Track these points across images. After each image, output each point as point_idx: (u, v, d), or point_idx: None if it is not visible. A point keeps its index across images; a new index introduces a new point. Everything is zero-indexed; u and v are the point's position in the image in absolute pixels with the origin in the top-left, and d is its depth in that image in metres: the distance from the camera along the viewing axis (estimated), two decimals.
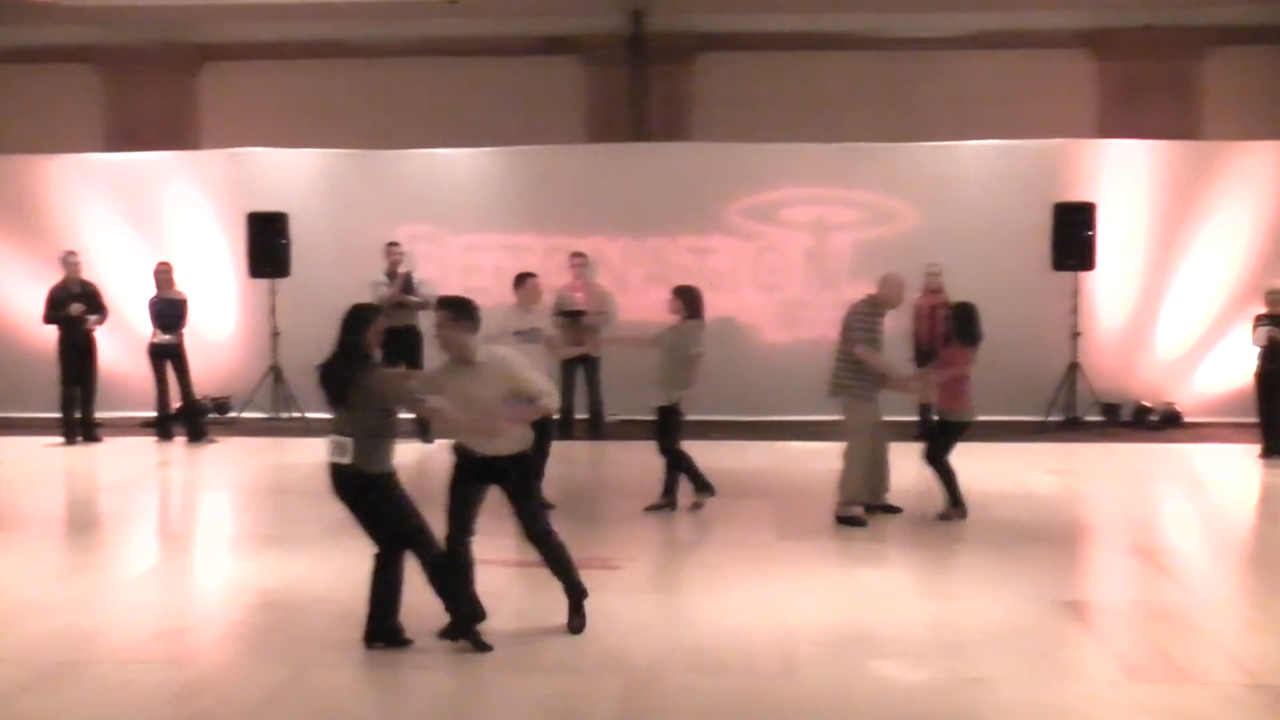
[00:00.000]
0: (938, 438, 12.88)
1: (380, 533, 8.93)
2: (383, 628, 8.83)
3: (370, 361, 8.81)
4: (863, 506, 12.62)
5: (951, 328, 12.77)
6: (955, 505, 12.68)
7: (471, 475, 9.02)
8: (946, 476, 12.73)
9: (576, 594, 9.12)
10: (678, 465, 13.17)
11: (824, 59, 21.77)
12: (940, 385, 12.73)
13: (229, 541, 12.72)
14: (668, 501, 13.15)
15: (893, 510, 12.85)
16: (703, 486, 13.18)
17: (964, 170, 19.70)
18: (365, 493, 8.85)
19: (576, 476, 15.60)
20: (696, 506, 13.10)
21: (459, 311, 8.85)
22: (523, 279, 13.85)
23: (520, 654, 8.67)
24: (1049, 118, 20.96)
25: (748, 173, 19.85)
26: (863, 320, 12.59)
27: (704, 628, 9.03)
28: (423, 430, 17.61)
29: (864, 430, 12.62)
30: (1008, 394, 16.86)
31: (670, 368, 12.91)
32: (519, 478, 9.06)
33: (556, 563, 9.22)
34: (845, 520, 12.51)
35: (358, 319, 9.01)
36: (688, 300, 13.08)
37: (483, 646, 8.71)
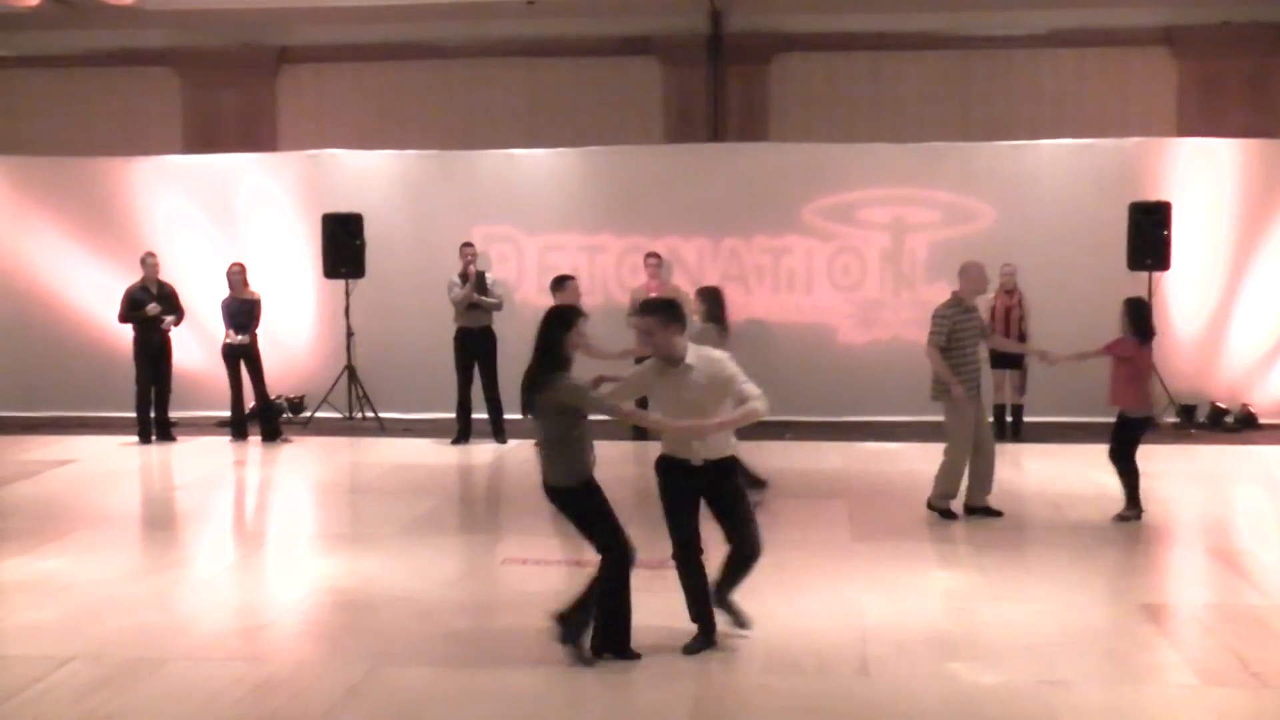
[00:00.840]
0: (1118, 435, 12.82)
1: (595, 542, 8.68)
2: (612, 639, 8.64)
3: (565, 367, 8.41)
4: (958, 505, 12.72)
5: (1124, 322, 12.69)
6: (1132, 506, 12.64)
7: (681, 484, 8.76)
8: (1129, 476, 12.71)
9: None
10: None
11: (900, 59, 21.70)
12: (1117, 382, 12.75)
13: (305, 540, 12.80)
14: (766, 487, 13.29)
15: (993, 514, 12.80)
16: (753, 483, 13.23)
17: (1040, 169, 19.53)
18: (563, 504, 8.64)
19: (646, 476, 15.62)
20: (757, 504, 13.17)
21: (668, 314, 8.60)
22: (562, 281, 13.89)
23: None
24: (1126, 116, 20.82)
25: (824, 173, 19.78)
26: (938, 320, 12.63)
27: (777, 629, 9.02)
28: (497, 430, 17.68)
29: (963, 432, 12.63)
30: (1083, 395, 16.68)
31: None
32: (728, 486, 8.82)
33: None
34: (937, 510, 12.80)
35: (556, 321, 8.46)
36: (708, 302, 13.22)
37: (706, 644, 8.76)
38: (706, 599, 8.86)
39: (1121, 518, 12.61)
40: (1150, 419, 12.79)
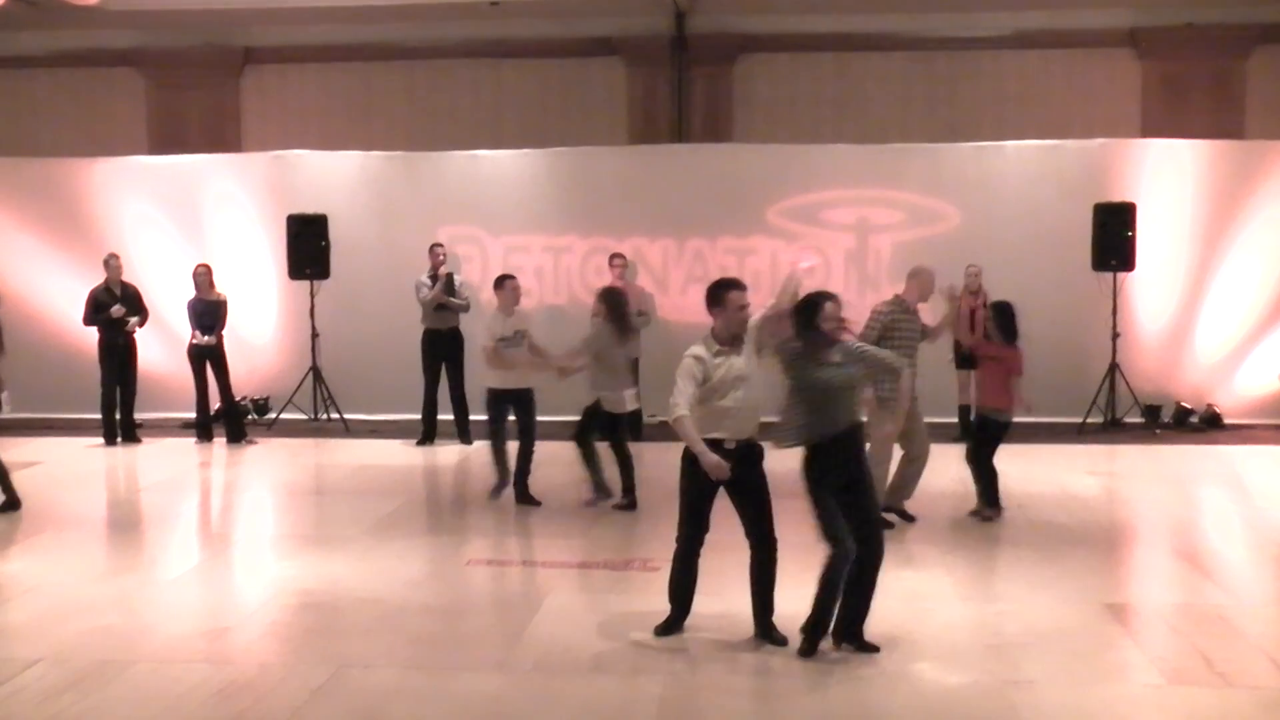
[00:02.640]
0: (979, 436, 12.86)
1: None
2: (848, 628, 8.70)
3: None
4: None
5: (991, 326, 12.78)
6: (991, 505, 12.68)
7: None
8: (988, 477, 12.72)
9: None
10: (587, 459, 13.50)
11: (865, 60, 21.75)
12: (983, 383, 12.76)
13: (270, 542, 12.73)
14: (616, 498, 13.46)
15: (907, 518, 12.76)
16: (598, 487, 13.52)
17: (1005, 170, 19.60)
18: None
19: (615, 477, 15.61)
20: (588, 503, 13.46)
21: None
22: (502, 281, 13.91)
23: (560, 656, 8.66)
24: (1090, 117, 20.91)
25: (788, 174, 19.80)
26: (873, 317, 12.64)
27: (743, 629, 9.00)
28: (462, 431, 17.66)
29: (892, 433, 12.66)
30: (1048, 395, 16.74)
31: (591, 368, 13.29)
32: (757, 471, 8.96)
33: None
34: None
35: (811, 307, 9.08)
36: (607, 303, 13.42)
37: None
38: (689, 595, 8.99)
39: (979, 515, 12.70)
40: (1010, 424, 12.79)
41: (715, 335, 8.90)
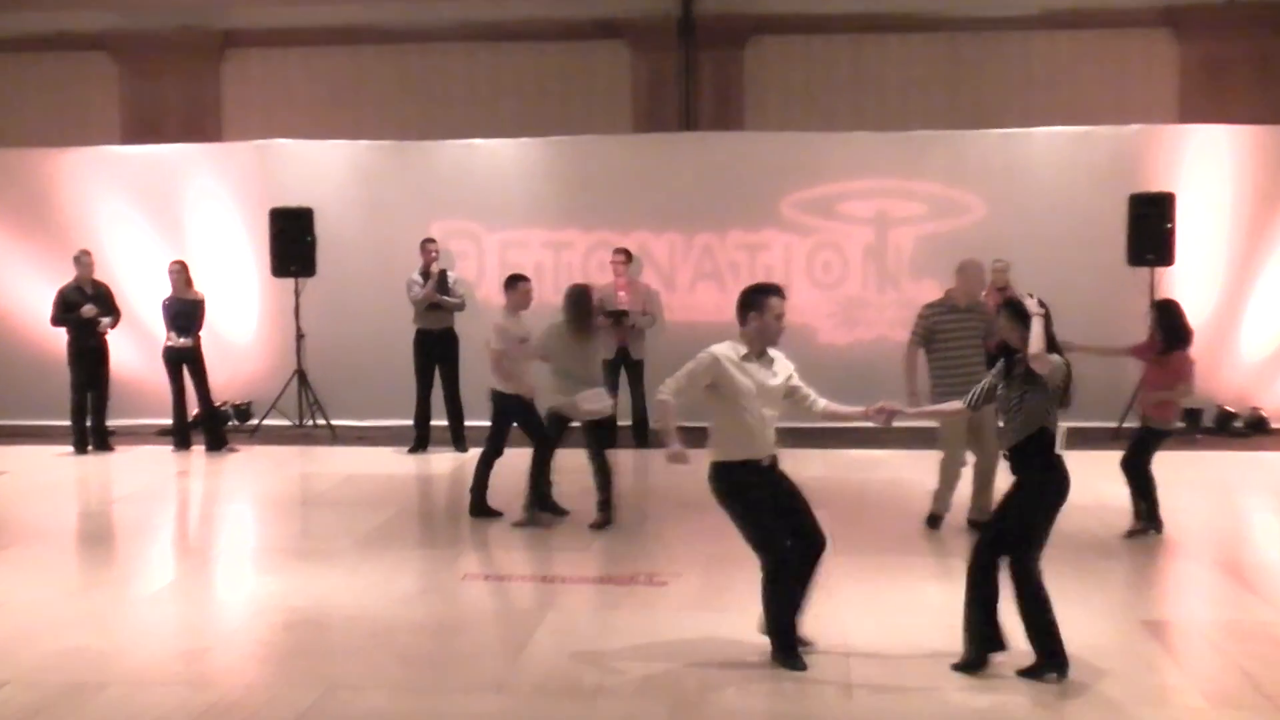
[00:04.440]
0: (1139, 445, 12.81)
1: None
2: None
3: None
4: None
5: (1160, 329, 12.58)
6: (1150, 520, 12.64)
7: (756, 488, 8.78)
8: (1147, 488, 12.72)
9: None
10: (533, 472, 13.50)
11: (884, 42, 21.73)
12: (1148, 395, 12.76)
13: (252, 556, 12.72)
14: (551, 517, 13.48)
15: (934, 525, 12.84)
16: (528, 506, 13.42)
17: (1034, 159, 19.60)
18: None
19: (620, 487, 15.58)
20: (518, 524, 13.28)
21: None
22: (514, 282, 13.84)
23: (561, 677, 8.63)
24: (1125, 102, 20.87)
25: (803, 164, 19.80)
26: (916, 323, 12.71)
27: (756, 647, 8.97)
28: (457, 438, 17.65)
29: (949, 437, 12.68)
30: (1080, 398, 16.72)
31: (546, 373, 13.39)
32: (786, 477, 8.99)
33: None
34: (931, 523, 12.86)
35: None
36: (569, 301, 13.35)
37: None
38: (794, 619, 8.90)
39: (1134, 533, 12.64)
40: (1171, 433, 12.77)
41: (747, 343, 8.86)
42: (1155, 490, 12.62)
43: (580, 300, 13.22)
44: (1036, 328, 8.56)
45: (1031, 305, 8.71)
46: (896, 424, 9.11)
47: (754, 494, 8.71)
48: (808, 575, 8.88)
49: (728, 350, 8.79)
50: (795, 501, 8.90)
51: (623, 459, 17.03)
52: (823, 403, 9.15)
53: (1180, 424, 12.83)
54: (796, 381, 9.12)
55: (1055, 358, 8.58)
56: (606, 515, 13.14)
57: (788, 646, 8.71)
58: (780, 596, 8.74)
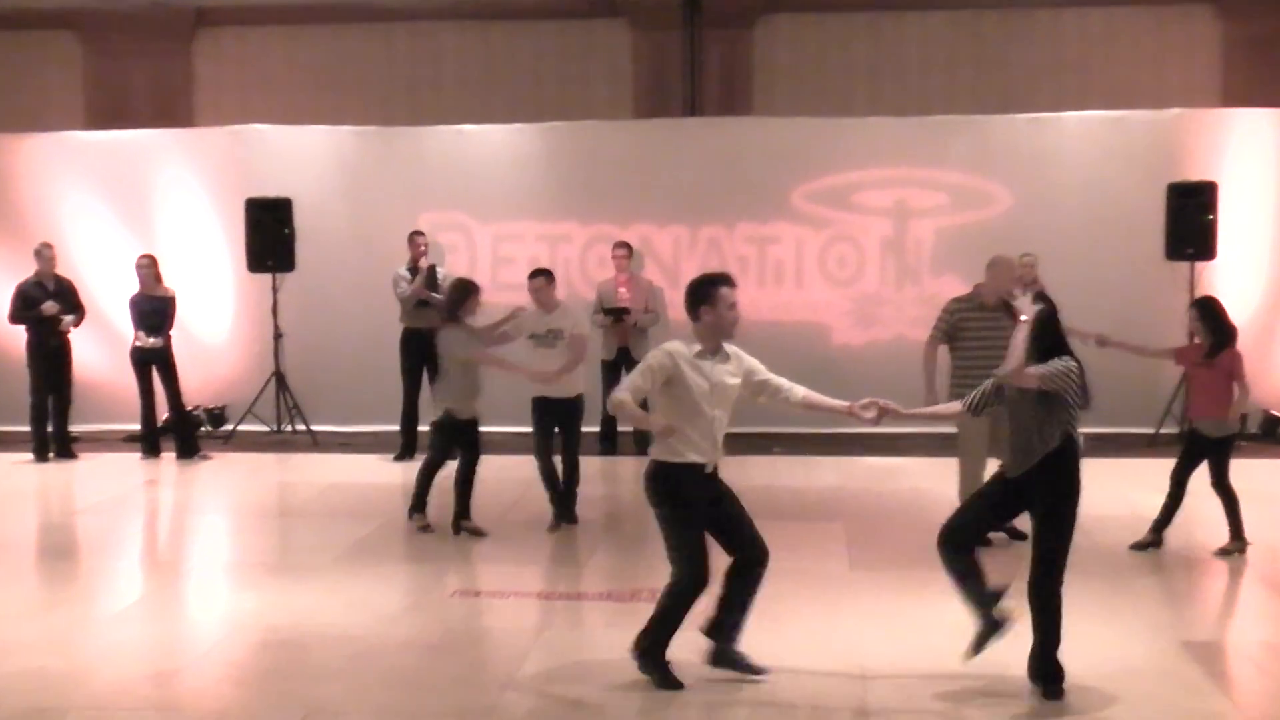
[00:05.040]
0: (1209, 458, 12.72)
1: None
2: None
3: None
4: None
5: (1206, 329, 12.52)
6: (1236, 538, 12.56)
7: (694, 497, 8.76)
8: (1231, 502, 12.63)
9: None
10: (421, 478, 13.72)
11: (903, 20, 21.74)
12: (1199, 390, 12.68)
13: (226, 571, 12.71)
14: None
15: (1017, 536, 12.80)
16: (418, 508, 13.63)
17: (1064, 146, 19.57)
18: None
19: (621, 497, 15.55)
20: (424, 529, 13.53)
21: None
22: (536, 276, 13.91)
23: (557, 700, 8.62)
24: (1163, 84, 20.85)
25: (816, 151, 19.78)
26: (943, 314, 12.72)
27: (767, 668, 8.96)
28: (409, 447, 17.67)
29: (967, 441, 12.68)
30: (1115, 403, 16.71)
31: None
32: (726, 486, 8.98)
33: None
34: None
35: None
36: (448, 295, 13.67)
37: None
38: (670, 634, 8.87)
39: (1224, 550, 12.53)
40: (1229, 437, 12.71)
41: (700, 339, 8.84)
42: (1239, 504, 12.56)
43: (458, 292, 13.58)
44: (1017, 338, 8.56)
45: (1023, 306, 8.70)
46: (886, 427, 9.03)
47: (691, 501, 8.68)
48: (748, 591, 8.87)
49: (681, 348, 8.76)
50: (734, 510, 8.88)
51: (624, 466, 17.04)
52: (800, 391, 9.08)
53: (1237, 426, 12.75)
54: (764, 375, 9.08)
55: (1045, 367, 8.50)
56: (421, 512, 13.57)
57: (663, 664, 8.76)
58: (676, 616, 8.77)
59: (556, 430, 13.60)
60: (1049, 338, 8.65)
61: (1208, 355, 12.39)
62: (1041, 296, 8.99)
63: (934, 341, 12.92)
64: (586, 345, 13.95)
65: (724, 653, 8.84)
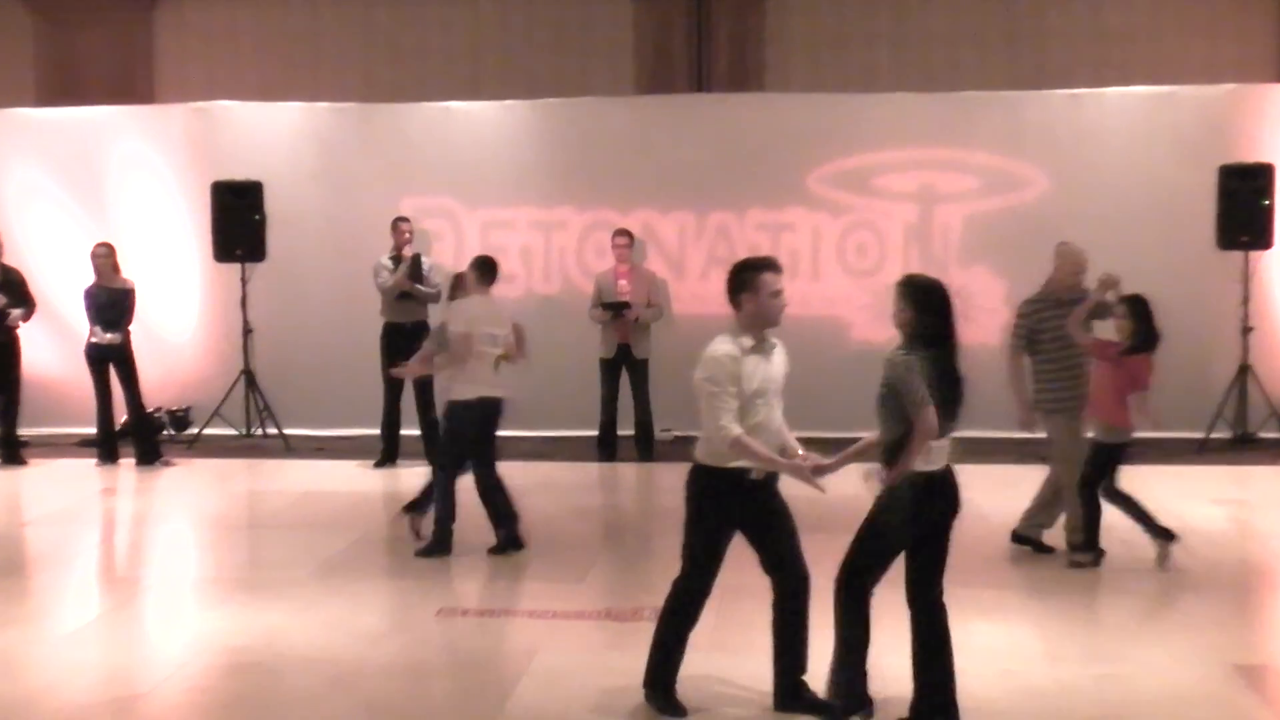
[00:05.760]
0: (1091, 463, 12.75)
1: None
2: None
3: None
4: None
5: (1131, 329, 12.57)
6: (1088, 548, 12.60)
7: (731, 503, 8.75)
8: (1094, 511, 12.65)
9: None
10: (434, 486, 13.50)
11: None
12: (1098, 388, 12.67)
13: (191, 588, 12.71)
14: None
15: (1044, 549, 12.84)
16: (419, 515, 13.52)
17: (1106, 125, 19.56)
18: None
19: (622, 507, 15.55)
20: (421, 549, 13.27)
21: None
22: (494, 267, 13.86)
23: None
24: (1214, 58, 20.79)
25: (834, 130, 19.79)
26: (1018, 319, 12.83)
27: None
28: (431, 450, 17.63)
29: (1072, 452, 12.70)
30: (1162, 405, 16.75)
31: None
32: (780, 499, 8.95)
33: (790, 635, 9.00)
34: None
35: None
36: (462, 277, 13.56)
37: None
38: (678, 662, 8.88)
39: (1071, 562, 12.58)
40: (1128, 444, 12.70)
41: (746, 330, 8.80)
42: (1100, 514, 12.56)
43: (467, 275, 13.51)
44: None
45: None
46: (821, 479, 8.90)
47: (726, 508, 8.67)
48: (794, 618, 8.86)
49: (732, 347, 8.66)
50: (780, 527, 8.85)
51: (625, 474, 17.05)
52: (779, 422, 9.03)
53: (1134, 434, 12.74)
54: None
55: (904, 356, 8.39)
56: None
57: (667, 686, 8.77)
58: (677, 631, 8.82)
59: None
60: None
61: (1121, 354, 12.37)
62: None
63: (1016, 351, 12.81)
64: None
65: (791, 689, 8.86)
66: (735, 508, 8.66)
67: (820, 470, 8.63)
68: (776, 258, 9.09)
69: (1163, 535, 12.50)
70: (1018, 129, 19.64)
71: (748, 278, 8.76)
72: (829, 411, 18.44)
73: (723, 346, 8.66)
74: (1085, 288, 12.94)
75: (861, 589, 8.50)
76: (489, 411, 13.05)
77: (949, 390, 8.35)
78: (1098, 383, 12.63)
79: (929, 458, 8.26)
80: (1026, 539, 12.88)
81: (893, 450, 8.36)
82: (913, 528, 8.38)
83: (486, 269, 13.34)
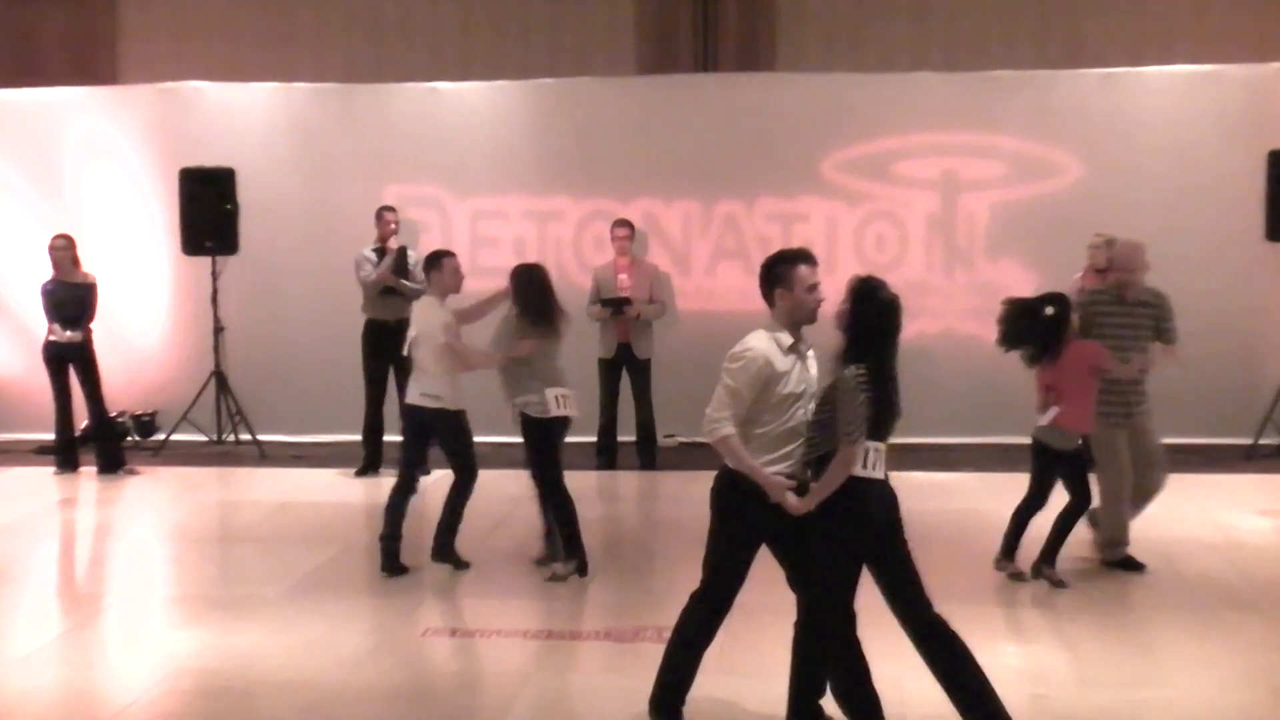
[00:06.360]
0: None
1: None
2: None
3: None
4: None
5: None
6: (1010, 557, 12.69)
7: (758, 514, 8.70)
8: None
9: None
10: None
11: None
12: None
13: (157, 605, 12.69)
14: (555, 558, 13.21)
15: (1134, 566, 12.83)
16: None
17: (1144, 106, 19.56)
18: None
19: (622, 519, 15.53)
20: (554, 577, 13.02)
21: None
22: (437, 259, 13.80)
23: None
24: (1263, 34, 20.73)
25: (850, 113, 19.80)
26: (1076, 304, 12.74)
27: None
28: (372, 461, 17.66)
29: (1112, 460, 12.74)
30: (1205, 410, 16.78)
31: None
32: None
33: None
34: (1117, 564, 12.76)
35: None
36: (515, 286, 13.28)
37: None
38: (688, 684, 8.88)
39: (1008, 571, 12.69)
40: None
41: (780, 324, 8.76)
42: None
43: (534, 282, 13.26)
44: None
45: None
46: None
47: (753, 517, 8.65)
48: (812, 655, 8.81)
49: (770, 345, 8.64)
50: (808, 542, 8.80)
51: (625, 483, 17.06)
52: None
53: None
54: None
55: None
56: (579, 560, 13.03)
57: (674, 709, 8.80)
58: (694, 641, 8.83)
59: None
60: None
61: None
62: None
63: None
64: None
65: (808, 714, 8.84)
66: (763, 516, 8.62)
67: (803, 499, 8.53)
68: (810, 250, 9.08)
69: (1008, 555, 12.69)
70: (1049, 111, 19.61)
71: (781, 271, 8.78)
72: None
73: (761, 344, 8.67)
74: (1157, 293, 12.97)
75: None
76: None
77: (890, 399, 8.40)
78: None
79: (872, 467, 8.29)
80: (1118, 563, 12.85)
81: (820, 464, 8.39)
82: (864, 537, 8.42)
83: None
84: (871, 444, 8.27)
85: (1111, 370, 12.36)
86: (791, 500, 8.45)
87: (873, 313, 8.43)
